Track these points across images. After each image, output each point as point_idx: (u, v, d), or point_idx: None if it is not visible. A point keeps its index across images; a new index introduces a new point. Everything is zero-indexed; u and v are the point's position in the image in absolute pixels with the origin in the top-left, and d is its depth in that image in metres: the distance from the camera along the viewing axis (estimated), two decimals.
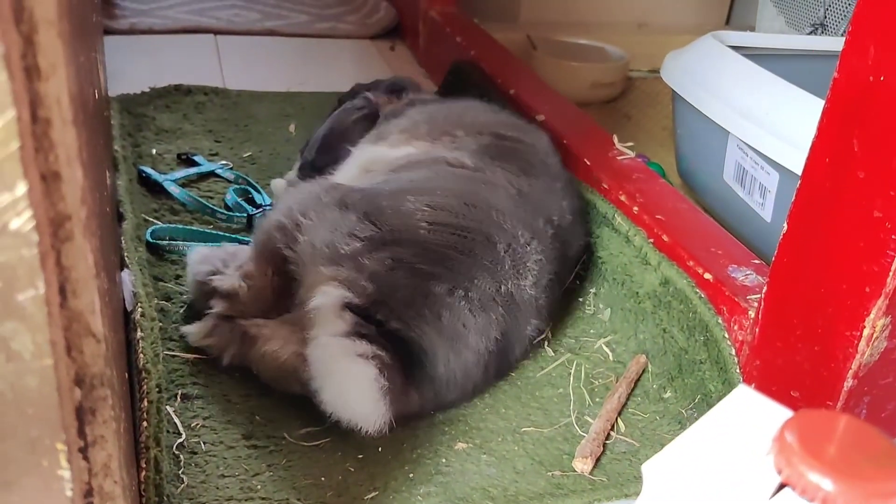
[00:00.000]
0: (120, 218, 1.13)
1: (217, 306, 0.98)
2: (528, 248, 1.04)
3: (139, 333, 0.90)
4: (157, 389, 0.85)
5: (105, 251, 0.67)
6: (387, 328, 0.90)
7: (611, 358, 1.15)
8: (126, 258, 1.01)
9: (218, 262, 1.03)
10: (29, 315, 0.39)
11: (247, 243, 1.25)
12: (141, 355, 0.87)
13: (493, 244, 0.99)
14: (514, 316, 1.01)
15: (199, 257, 1.06)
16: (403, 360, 0.90)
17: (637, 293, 1.16)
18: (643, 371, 1.11)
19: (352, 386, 0.85)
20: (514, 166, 1.15)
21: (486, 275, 0.97)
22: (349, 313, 0.90)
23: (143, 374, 0.85)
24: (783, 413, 0.44)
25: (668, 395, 1.07)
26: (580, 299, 1.26)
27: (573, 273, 1.25)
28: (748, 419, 0.44)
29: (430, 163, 1.12)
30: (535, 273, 1.04)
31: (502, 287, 0.99)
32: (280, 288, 0.99)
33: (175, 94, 1.83)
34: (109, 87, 1.72)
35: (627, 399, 1.07)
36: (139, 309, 0.92)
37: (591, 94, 2.08)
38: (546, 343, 1.15)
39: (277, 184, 1.47)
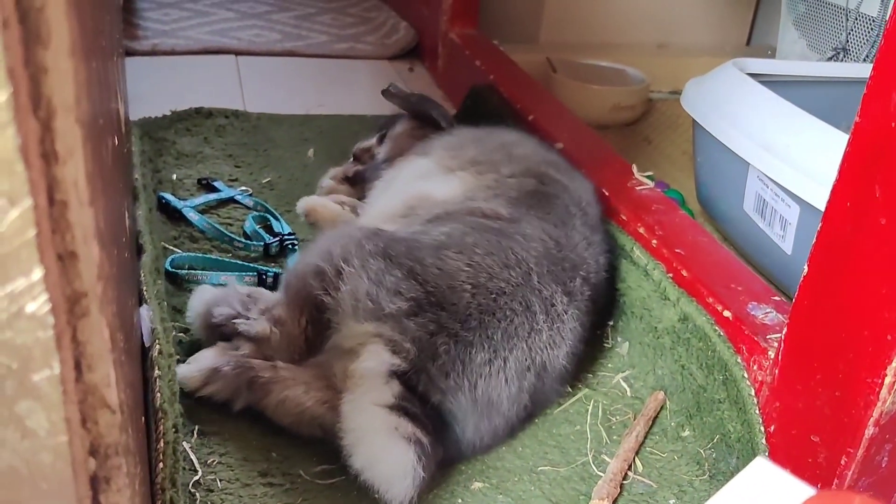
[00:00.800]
0: (139, 249, 1.14)
1: (243, 348, 0.98)
2: (566, 315, 1.04)
3: (156, 372, 0.90)
4: (173, 429, 0.85)
5: (122, 298, 0.67)
6: (427, 400, 0.90)
7: (628, 394, 1.14)
8: (144, 293, 1.02)
9: (237, 304, 1.02)
10: (44, 394, 0.39)
11: (264, 273, 1.26)
12: (158, 394, 0.87)
13: (533, 313, 0.99)
14: (543, 383, 1.02)
15: (212, 298, 1.03)
16: (436, 428, 0.90)
17: (656, 328, 1.15)
18: (661, 408, 1.10)
19: (389, 464, 0.85)
20: (554, 216, 1.14)
21: (523, 345, 0.97)
22: (396, 382, 0.90)
23: (160, 414, 0.86)
24: (802, 491, 0.44)
25: (686, 433, 1.06)
26: (598, 332, 1.25)
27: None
28: (767, 496, 0.44)
29: (467, 213, 1.10)
30: (570, 342, 1.04)
31: (537, 357, 0.99)
32: (313, 336, 0.99)
33: (196, 117, 1.85)
34: (131, 109, 1.74)
35: (645, 437, 1.06)
36: (157, 347, 0.92)
37: (612, 117, 2.07)
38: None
39: (327, 184, 1.53)
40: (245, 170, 1.66)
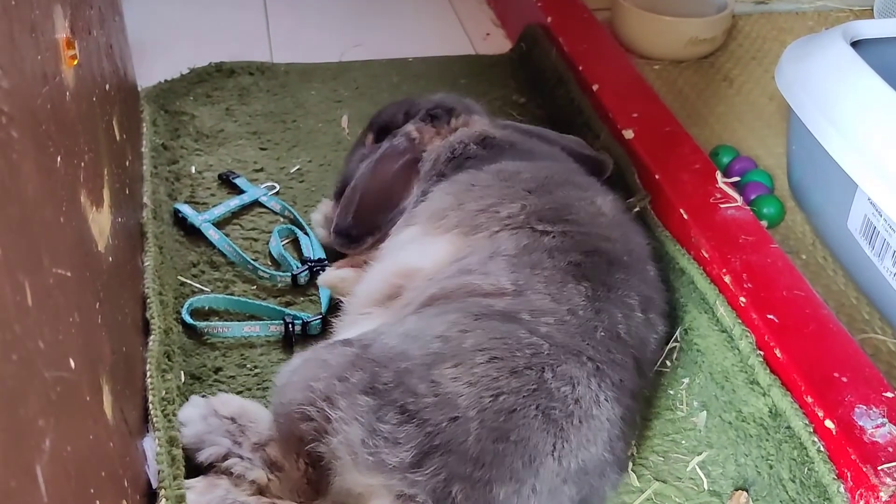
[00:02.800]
0: (146, 327, 1.00)
1: (244, 489, 0.86)
2: (598, 406, 0.87)
3: None
4: None
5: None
6: None
7: (705, 486, 1.00)
8: (151, 412, 0.89)
9: (223, 437, 0.89)
10: None
11: (291, 321, 1.12)
12: None
13: (555, 421, 0.83)
14: (589, 485, 0.87)
15: (196, 434, 0.90)
16: None
17: (741, 410, 0.99)
18: None
19: None
20: (559, 272, 0.95)
21: (550, 461, 0.82)
22: None
23: None
24: None
25: None
26: (671, 391, 1.09)
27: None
28: None
29: (462, 296, 0.93)
30: (608, 432, 0.88)
31: (572, 465, 0.84)
32: (317, 478, 0.86)
33: (216, 77, 1.65)
34: (142, 60, 1.53)
35: None
36: (163, 499, 0.80)
37: (687, 51, 1.80)
38: (629, 462, 1.01)
39: (317, 220, 1.30)
40: (271, 153, 1.48)
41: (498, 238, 1.01)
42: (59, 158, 0.65)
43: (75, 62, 0.76)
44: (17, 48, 0.58)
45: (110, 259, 0.84)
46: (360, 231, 1.16)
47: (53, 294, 0.56)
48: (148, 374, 0.93)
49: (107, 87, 1.00)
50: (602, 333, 0.91)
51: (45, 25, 0.68)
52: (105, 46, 1.05)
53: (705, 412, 1.05)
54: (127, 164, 1.11)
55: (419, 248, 1.05)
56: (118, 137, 1.05)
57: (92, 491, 0.59)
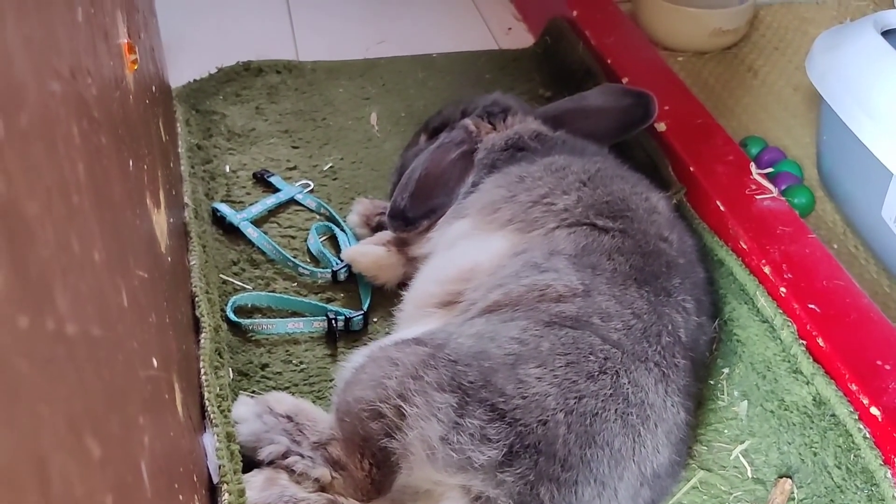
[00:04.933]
0: (196, 325, 1.02)
1: (305, 486, 0.87)
2: (666, 410, 0.89)
3: None
4: None
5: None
6: None
7: (749, 473, 1.01)
8: (208, 408, 0.90)
9: (282, 436, 0.90)
10: None
11: (334, 318, 1.14)
12: None
13: (631, 426, 0.85)
14: (661, 487, 0.89)
15: (252, 432, 0.91)
16: None
17: (783, 399, 1.01)
18: (788, 499, 0.98)
19: None
20: (618, 273, 0.96)
21: (631, 466, 0.84)
22: None
23: None
24: None
25: None
26: (710, 381, 1.11)
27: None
28: None
29: (531, 302, 0.92)
30: (676, 435, 0.90)
31: (647, 470, 0.86)
32: (381, 478, 0.87)
33: (245, 76, 1.66)
34: (172, 59, 1.54)
35: None
36: (225, 494, 0.82)
37: (711, 42, 1.81)
38: None
39: (353, 221, 1.31)
40: (303, 151, 1.50)
41: (555, 236, 1.01)
42: (130, 162, 0.67)
43: (136, 66, 0.77)
44: (98, 55, 0.59)
45: (169, 260, 0.85)
46: (416, 213, 1.16)
47: (138, 295, 0.58)
48: (202, 371, 0.95)
49: (153, 89, 1.02)
50: (667, 339, 0.93)
51: (112, 31, 0.69)
52: (149, 49, 1.06)
53: (746, 402, 1.07)
54: (171, 165, 1.12)
55: (475, 245, 1.06)
56: (164, 139, 1.07)
57: (176, 486, 0.61)
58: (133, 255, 0.59)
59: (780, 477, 0.99)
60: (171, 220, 0.96)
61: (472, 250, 1.05)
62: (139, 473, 0.47)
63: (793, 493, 0.98)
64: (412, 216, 1.18)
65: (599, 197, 1.04)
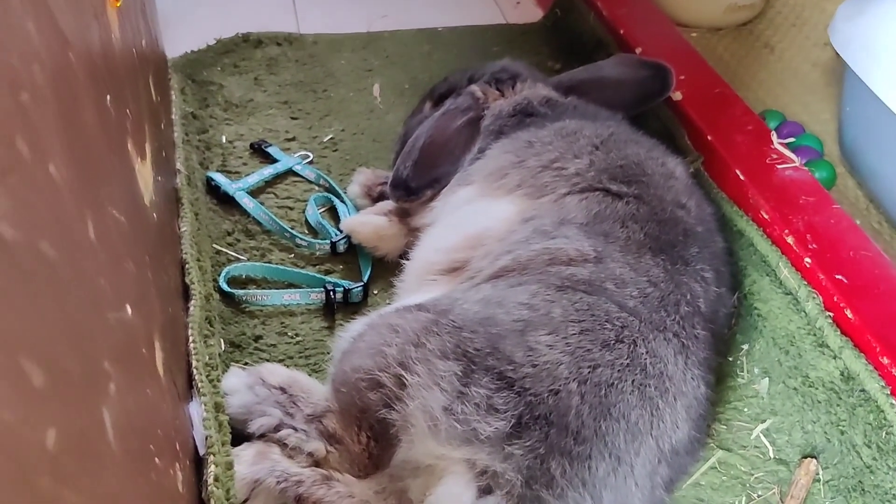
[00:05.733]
0: (186, 293, 0.96)
1: (298, 461, 0.81)
2: (686, 384, 0.83)
3: (213, 500, 0.75)
4: None
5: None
6: None
7: (771, 454, 0.95)
8: (195, 377, 0.85)
9: (274, 408, 0.84)
10: None
11: (332, 289, 1.08)
12: None
13: (649, 398, 0.79)
14: (679, 464, 0.83)
15: (243, 404, 0.85)
16: None
17: (807, 375, 0.95)
18: (812, 481, 0.92)
19: None
20: (632, 241, 0.90)
21: (649, 440, 0.78)
22: None
23: None
24: None
25: None
26: (729, 358, 1.05)
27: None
28: None
29: (541, 265, 0.87)
30: (695, 410, 0.84)
31: (666, 446, 0.80)
32: (379, 452, 0.81)
33: (244, 47, 1.61)
34: (165, 32, 1.49)
35: None
36: (211, 466, 0.76)
37: (726, 18, 1.75)
38: None
39: (354, 191, 1.26)
40: (303, 122, 1.44)
41: (565, 203, 0.96)
42: (108, 98, 0.61)
43: (119, 4, 0.72)
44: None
45: (154, 216, 0.80)
46: (419, 183, 1.11)
47: (111, 236, 0.53)
48: (190, 338, 0.89)
49: (143, 42, 0.97)
50: (685, 308, 0.87)
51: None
52: (140, 2, 1.01)
53: (767, 379, 1.01)
54: (162, 126, 1.07)
55: (482, 212, 1.00)
56: (154, 98, 1.02)
57: (152, 447, 0.55)
58: (107, 191, 0.53)
59: (805, 457, 0.94)
60: (159, 178, 0.90)
61: (479, 217, 0.99)
62: (100, 421, 0.41)
63: (818, 473, 0.92)
64: (415, 185, 1.12)
65: (613, 161, 0.98)
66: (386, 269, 1.16)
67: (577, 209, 0.94)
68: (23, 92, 0.36)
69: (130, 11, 0.88)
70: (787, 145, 1.19)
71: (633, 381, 0.79)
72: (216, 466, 0.77)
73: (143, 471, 0.50)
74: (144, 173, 0.77)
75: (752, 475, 0.93)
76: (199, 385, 0.84)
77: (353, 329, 0.89)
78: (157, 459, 0.56)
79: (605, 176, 0.97)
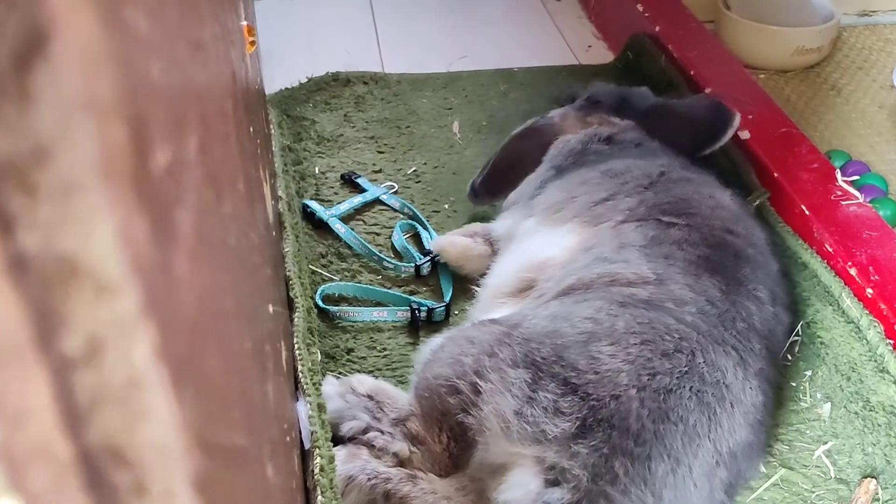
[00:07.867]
0: (290, 304, 1.06)
1: (385, 461, 0.90)
2: (744, 393, 0.89)
3: (319, 488, 0.84)
4: None
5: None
6: None
7: (832, 474, 1.00)
8: (301, 379, 0.94)
9: (362, 412, 0.93)
10: None
11: (417, 308, 1.17)
12: None
13: (708, 405, 0.86)
14: (738, 469, 0.89)
15: (335, 410, 0.94)
16: None
17: (868, 400, 1.00)
18: (873, 500, 0.97)
19: None
20: (692, 264, 0.97)
21: (706, 443, 0.84)
22: None
23: None
24: None
25: None
26: (793, 383, 1.10)
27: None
28: None
29: (603, 286, 0.95)
30: (753, 417, 0.90)
31: (724, 449, 0.86)
32: (459, 452, 0.89)
33: (333, 85, 1.73)
34: (265, 70, 1.61)
35: None
36: (317, 458, 0.85)
37: (794, 61, 1.81)
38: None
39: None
40: (388, 156, 1.55)
41: (623, 229, 1.04)
42: (251, 128, 0.72)
43: (253, 48, 0.83)
44: (231, 32, 0.64)
45: (273, 234, 0.90)
46: (484, 190, 1.30)
47: (260, 244, 0.62)
48: (296, 345, 0.99)
49: (259, 79, 1.08)
50: (741, 324, 0.94)
51: (240, 12, 0.75)
52: None
53: (829, 403, 1.06)
54: (270, 156, 1.18)
55: (545, 239, 1.09)
56: (266, 130, 1.13)
57: (285, 426, 0.64)
58: (259, 207, 0.64)
59: (864, 477, 0.98)
60: (273, 201, 1.01)
61: (543, 244, 1.09)
62: (265, 393, 0.50)
63: (877, 493, 0.97)
64: (481, 192, 1.33)
65: (661, 199, 1.07)
66: (466, 291, 1.24)
67: (634, 234, 1.03)
68: (230, 124, 0.46)
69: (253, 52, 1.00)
70: (852, 183, 1.24)
71: (690, 387, 0.86)
72: (321, 458, 0.86)
73: (286, 452, 0.59)
74: (267, 195, 0.88)
75: (814, 492, 0.98)
76: (305, 387, 0.93)
77: (433, 343, 0.98)
78: (287, 438, 0.65)
79: (655, 210, 1.05)
